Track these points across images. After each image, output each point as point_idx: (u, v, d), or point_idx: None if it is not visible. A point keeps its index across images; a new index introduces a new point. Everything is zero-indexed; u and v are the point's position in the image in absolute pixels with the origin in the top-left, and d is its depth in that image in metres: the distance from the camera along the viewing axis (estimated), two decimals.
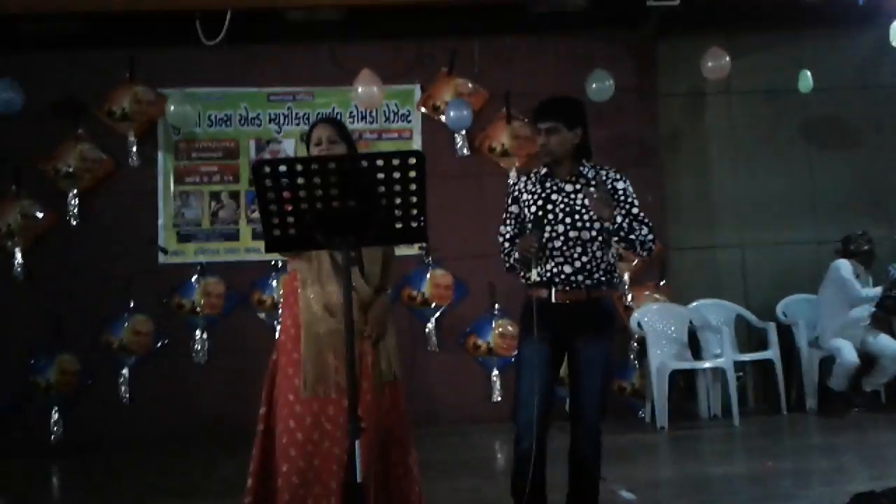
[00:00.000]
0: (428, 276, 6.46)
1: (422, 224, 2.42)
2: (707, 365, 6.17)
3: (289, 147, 6.54)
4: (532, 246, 3.08)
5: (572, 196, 3.16)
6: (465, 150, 6.54)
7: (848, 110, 7.07)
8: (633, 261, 6.59)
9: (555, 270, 3.12)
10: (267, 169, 2.29)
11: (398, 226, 2.41)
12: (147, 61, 6.44)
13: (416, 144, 6.56)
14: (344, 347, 2.97)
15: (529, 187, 3.24)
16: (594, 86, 6.45)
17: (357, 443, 2.33)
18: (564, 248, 3.12)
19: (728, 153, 7.02)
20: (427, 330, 6.45)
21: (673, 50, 6.86)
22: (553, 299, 3.12)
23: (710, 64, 6.44)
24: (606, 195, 3.11)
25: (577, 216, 3.12)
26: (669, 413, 5.91)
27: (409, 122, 6.65)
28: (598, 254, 3.13)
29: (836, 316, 6.25)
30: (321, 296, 3.13)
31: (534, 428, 3.07)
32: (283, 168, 2.28)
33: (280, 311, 6.02)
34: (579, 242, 3.11)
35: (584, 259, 3.11)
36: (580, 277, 3.10)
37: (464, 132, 6.53)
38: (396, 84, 6.59)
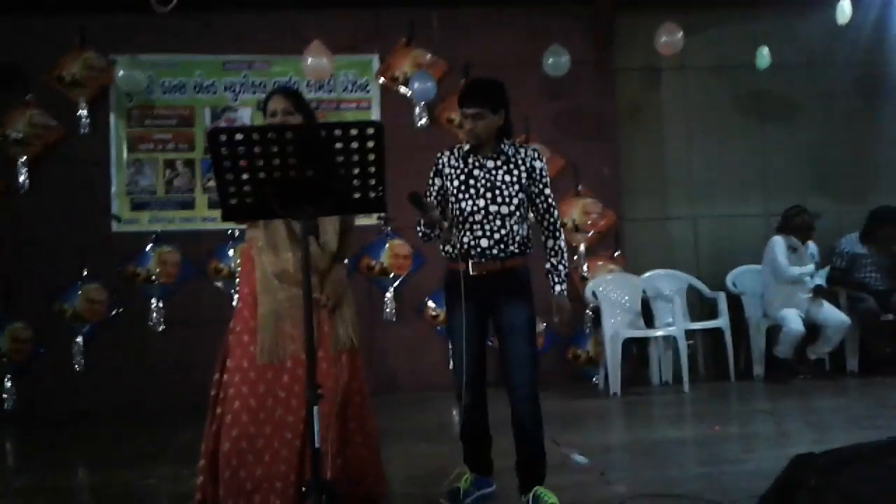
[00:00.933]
0: (386, 245, 6.49)
1: (380, 194, 2.44)
2: (659, 333, 6.32)
3: (245, 115, 6.48)
4: (437, 223, 3.20)
5: (493, 172, 3.28)
6: (423, 122, 6.55)
7: (799, 87, 7.22)
8: (589, 232, 6.70)
9: (472, 243, 3.25)
10: (223, 137, 2.27)
11: (356, 196, 2.41)
12: (98, 27, 6.31)
13: (375, 115, 6.55)
14: (300, 315, 3.02)
15: (453, 162, 3.35)
16: (550, 60, 6.49)
17: (315, 409, 2.36)
18: (484, 221, 3.25)
19: (682, 127, 7.13)
20: (385, 299, 6.49)
21: (630, 25, 6.91)
22: (470, 271, 3.25)
23: (663, 39, 6.51)
24: (567, 318, 3.36)
25: (497, 191, 3.25)
26: (622, 380, 6.07)
27: (368, 92, 6.63)
28: (515, 227, 3.27)
29: (779, 288, 6.43)
30: (276, 263, 3.13)
31: (473, 383, 3.27)
32: (239, 136, 2.27)
33: (237, 279, 6.04)
34: (498, 216, 3.24)
35: (503, 232, 3.24)
36: (495, 251, 3.24)
37: (423, 103, 6.53)
38: (354, 54, 6.55)
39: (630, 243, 6.91)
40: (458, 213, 3.29)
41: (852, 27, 6.65)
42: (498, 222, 3.24)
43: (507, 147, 3.32)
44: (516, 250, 3.26)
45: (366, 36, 6.62)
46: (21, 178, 6.22)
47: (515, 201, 3.26)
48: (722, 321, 6.44)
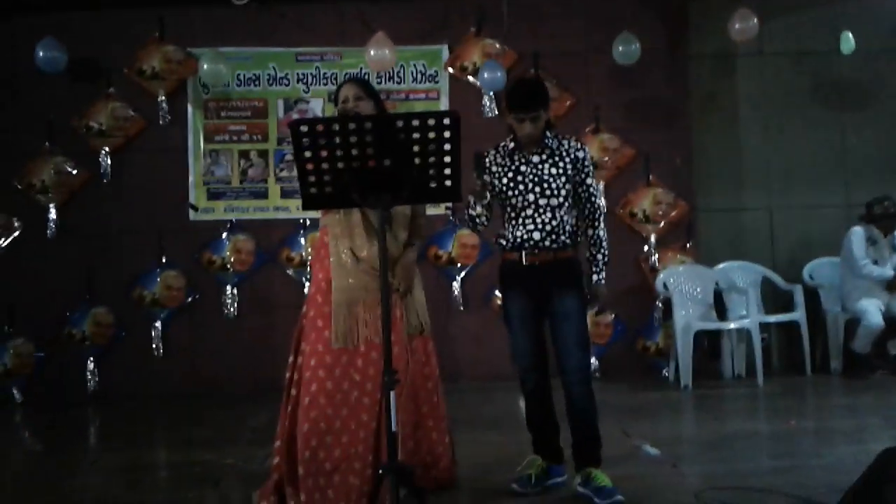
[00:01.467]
0: (454, 235, 6.52)
1: (455, 183, 2.47)
2: (732, 326, 6.21)
3: (317, 107, 6.58)
4: (476, 184, 3.27)
5: (539, 166, 3.36)
6: (492, 112, 6.55)
7: (879, 73, 6.96)
8: (660, 223, 6.61)
9: (525, 236, 3.34)
10: (304, 128, 2.34)
11: (432, 185, 2.46)
12: (176, 21, 6.50)
13: (444, 105, 6.57)
14: (373, 300, 3.09)
15: (499, 160, 3.42)
16: (620, 48, 6.41)
17: (392, 393, 2.41)
18: (535, 214, 3.34)
19: (757, 115, 6.95)
20: (453, 289, 6.53)
21: (703, 10, 6.77)
22: (524, 261, 3.35)
23: (737, 25, 6.35)
24: (603, 304, 3.53)
25: (545, 185, 3.34)
26: (693, 373, 5.97)
27: (437, 82, 6.65)
28: (565, 217, 3.37)
29: (857, 280, 6.24)
30: (351, 249, 3.20)
31: (534, 370, 3.40)
32: (320, 127, 2.33)
33: (309, 267, 6.16)
34: (549, 208, 3.33)
35: (554, 224, 3.33)
36: (547, 242, 3.33)
37: (491, 93, 6.53)
38: (424, 45, 6.58)
39: (703, 234, 6.78)
40: (509, 208, 3.40)
41: None
42: (549, 214, 3.33)
43: (550, 140, 3.39)
44: (567, 240, 3.36)
45: (435, 26, 6.64)
46: (103, 168, 6.44)
47: (563, 192, 3.35)
48: (798, 314, 6.29)
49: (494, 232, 3.50)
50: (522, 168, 3.37)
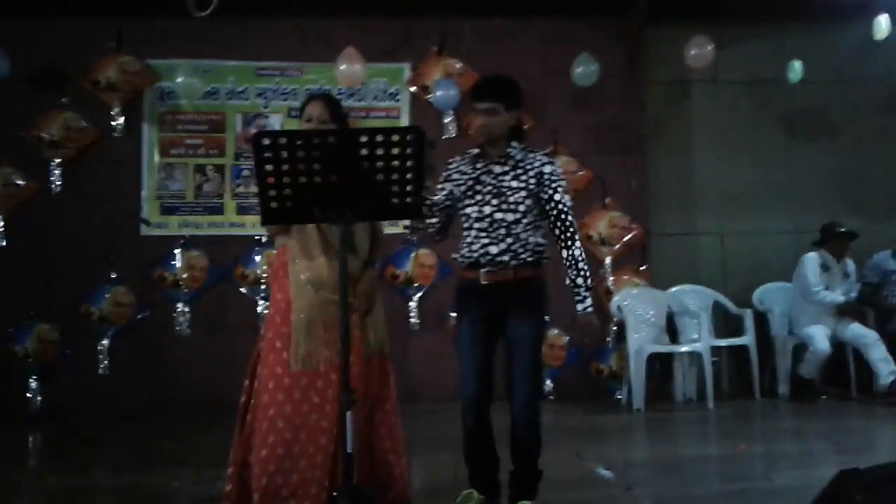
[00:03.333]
0: (412, 255, 6.50)
1: (417, 199, 2.46)
2: (684, 349, 6.28)
3: (275, 122, 6.52)
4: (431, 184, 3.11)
5: (500, 177, 3.19)
6: (452, 131, 6.56)
7: (830, 102, 7.17)
8: (616, 246, 6.67)
9: (482, 251, 3.18)
10: (266, 141, 2.31)
11: (394, 201, 2.44)
12: (135, 32, 6.37)
13: (404, 124, 6.56)
14: (333, 320, 3.03)
15: (461, 168, 3.28)
16: (579, 70, 6.49)
17: (348, 414, 2.37)
18: (490, 228, 3.17)
19: (711, 142, 7.10)
20: (409, 309, 6.49)
21: (660, 37, 6.88)
22: (482, 280, 3.18)
23: (693, 52, 6.49)
24: (594, 337, 3.32)
25: (503, 198, 3.16)
26: (646, 395, 6.02)
27: (398, 100, 6.65)
28: (523, 235, 3.16)
29: (806, 305, 6.36)
30: (311, 269, 3.15)
31: (475, 405, 3.19)
32: (283, 140, 2.30)
33: (265, 285, 6.07)
34: (503, 224, 3.15)
35: (509, 240, 3.15)
36: (506, 258, 3.15)
37: (452, 113, 6.55)
38: (386, 62, 6.59)
39: (656, 258, 6.87)
40: (464, 219, 3.24)
41: (886, 42, 6.59)
42: (503, 230, 3.15)
43: (516, 152, 3.22)
44: (529, 258, 3.17)
45: (397, 45, 6.65)
46: (53, 180, 6.28)
47: (522, 208, 3.15)
48: (748, 338, 6.39)
49: (452, 249, 3.35)
50: (482, 177, 3.20)
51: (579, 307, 3.20)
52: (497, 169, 3.21)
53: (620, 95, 6.78)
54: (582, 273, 3.20)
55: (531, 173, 3.19)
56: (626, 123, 6.80)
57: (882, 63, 6.94)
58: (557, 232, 3.22)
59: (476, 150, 3.27)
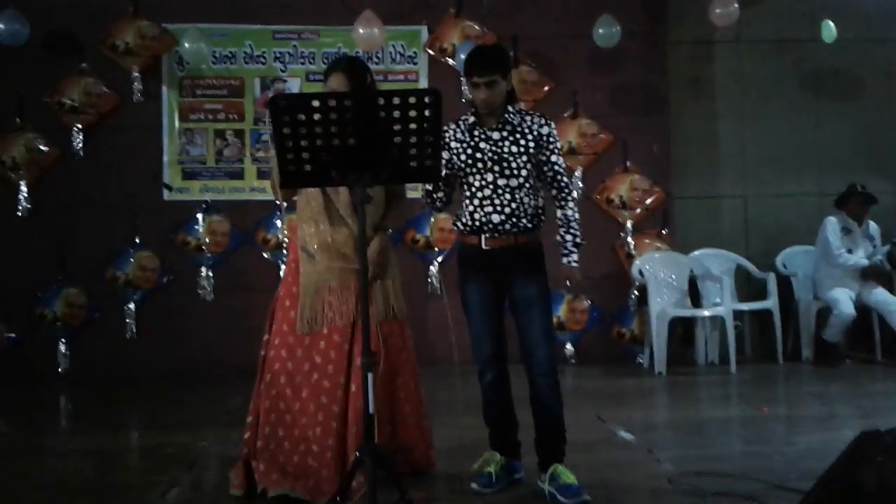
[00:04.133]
0: (431, 219, 6.49)
1: (435, 162, 2.45)
2: (706, 313, 6.25)
3: (294, 86, 6.49)
4: None
5: (500, 144, 3.18)
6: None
7: (858, 63, 7.01)
8: (637, 209, 6.62)
9: (483, 219, 3.18)
10: (284, 103, 2.30)
11: (412, 164, 2.43)
12: None
13: (422, 86, 6.51)
14: (340, 285, 3.11)
15: (459, 136, 3.25)
16: (601, 31, 6.39)
17: (369, 376, 2.38)
18: (493, 195, 3.17)
19: (735, 103, 6.98)
20: (430, 273, 6.50)
21: None
22: (483, 245, 3.20)
23: (717, 11, 6.35)
24: (578, 286, 3.42)
25: (504, 164, 3.17)
26: (668, 359, 6.01)
27: (416, 63, 6.60)
28: (526, 199, 3.18)
29: (830, 269, 6.29)
30: (317, 235, 3.18)
31: (493, 361, 3.24)
32: (299, 103, 2.29)
33: (285, 249, 6.10)
34: (507, 189, 3.16)
35: (513, 206, 3.16)
36: (507, 225, 3.16)
37: None
38: (403, 25, 6.52)
39: (679, 221, 6.80)
40: (466, 187, 3.24)
41: None
42: (507, 196, 3.16)
43: (512, 116, 3.22)
44: (529, 224, 3.19)
45: (414, 7, 6.57)
46: (75, 145, 6.32)
47: (524, 173, 3.18)
48: (771, 302, 6.34)
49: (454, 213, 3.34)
50: (482, 145, 3.18)
51: (564, 260, 3.27)
52: (495, 136, 3.20)
53: (642, 56, 6.68)
54: (572, 231, 3.28)
55: (529, 136, 3.20)
56: (647, 85, 6.70)
57: None
58: (554, 192, 3.28)
59: (472, 118, 3.25)
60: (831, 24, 6.48)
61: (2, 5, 6.01)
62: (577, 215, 3.29)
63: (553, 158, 3.24)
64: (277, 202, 5.51)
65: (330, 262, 3.15)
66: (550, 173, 3.25)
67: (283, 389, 3.13)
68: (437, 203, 3.26)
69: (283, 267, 6.16)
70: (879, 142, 6.99)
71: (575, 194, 3.33)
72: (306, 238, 3.20)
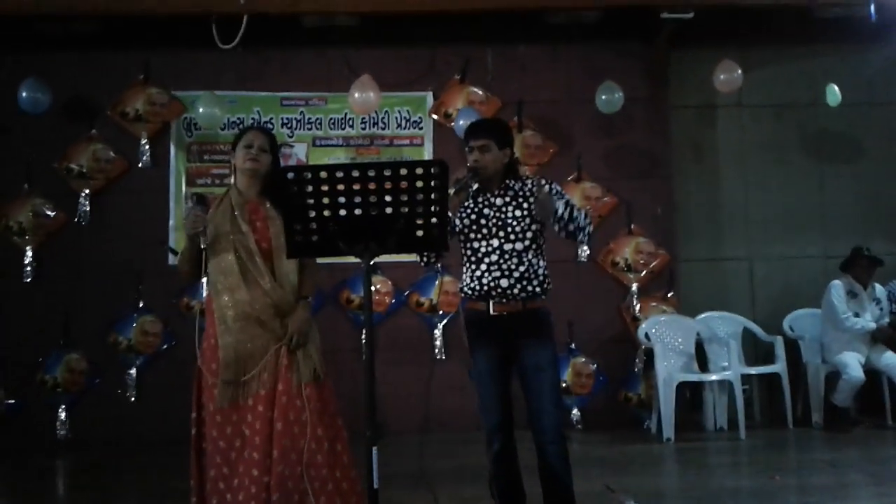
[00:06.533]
0: (437, 283, 6.47)
1: (442, 232, 2.45)
2: (714, 377, 6.17)
3: (300, 152, 6.57)
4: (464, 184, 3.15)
5: (503, 209, 3.25)
6: None
7: (858, 126, 7.08)
8: (642, 272, 6.59)
9: (492, 284, 3.20)
10: (292, 175, 2.31)
11: (419, 234, 2.43)
12: (162, 63, 6.48)
13: (427, 152, 6.59)
14: (261, 353, 3.09)
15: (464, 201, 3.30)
16: (603, 97, 6.48)
17: (374, 450, 2.34)
18: (500, 260, 3.20)
19: (738, 166, 7.03)
20: (434, 337, 6.46)
21: (685, 62, 6.87)
22: (491, 311, 3.21)
23: (722, 77, 6.45)
24: (545, 195, 3.12)
25: (509, 229, 3.22)
26: (676, 425, 5.91)
27: (421, 128, 6.68)
28: (534, 261, 3.23)
29: (837, 332, 6.23)
30: (234, 304, 3.15)
31: (500, 430, 3.22)
32: (308, 175, 2.31)
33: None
34: (514, 254, 3.20)
35: (521, 269, 3.20)
36: (516, 290, 3.19)
37: None
38: (409, 91, 6.62)
39: (684, 284, 6.79)
40: (470, 253, 3.27)
41: None
42: (515, 260, 3.20)
43: (513, 183, 3.30)
44: (538, 289, 3.22)
45: (420, 73, 6.68)
46: (81, 211, 6.36)
47: (529, 235, 3.23)
48: (779, 366, 6.26)
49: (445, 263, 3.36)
50: (486, 211, 3.26)
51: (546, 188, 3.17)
52: (498, 201, 3.27)
53: (645, 120, 6.76)
54: (576, 212, 3.17)
55: (531, 199, 3.24)
56: (651, 148, 6.76)
57: None
58: (575, 213, 3.18)
59: (475, 185, 3.30)
60: (836, 87, 6.55)
61: (24, 73, 6.13)
62: (589, 218, 3.24)
63: (566, 198, 3.21)
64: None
65: (250, 330, 3.13)
66: (567, 208, 3.15)
67: (221, 469, 3.12)
68: (431, 259, 3.29)
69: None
70: (883, 204, 7.01)
71: (590, 219, 3.27)
72: (223, 309, 3.16)
